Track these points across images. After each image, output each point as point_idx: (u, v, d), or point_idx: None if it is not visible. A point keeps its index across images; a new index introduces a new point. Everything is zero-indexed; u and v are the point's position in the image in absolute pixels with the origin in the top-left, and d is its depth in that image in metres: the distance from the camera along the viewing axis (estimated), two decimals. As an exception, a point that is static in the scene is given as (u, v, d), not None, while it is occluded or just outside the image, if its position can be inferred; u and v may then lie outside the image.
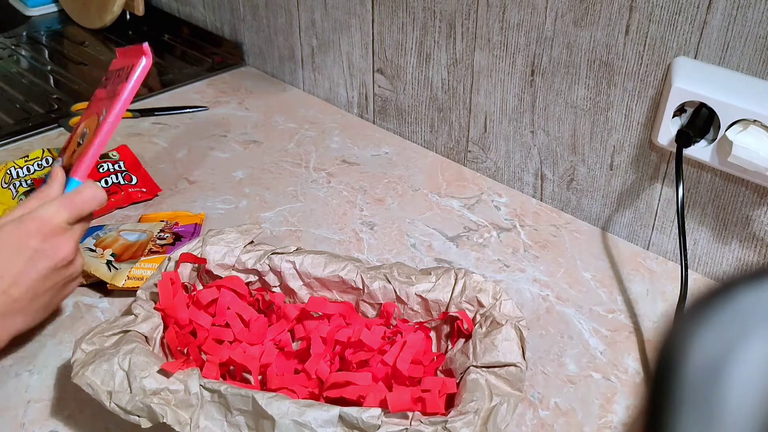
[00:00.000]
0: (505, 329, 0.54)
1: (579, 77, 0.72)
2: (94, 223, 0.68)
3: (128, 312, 0.56)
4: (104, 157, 0.83)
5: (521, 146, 0.80)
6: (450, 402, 0.51)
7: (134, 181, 0.81)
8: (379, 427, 0.46)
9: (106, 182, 0.80)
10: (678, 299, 0.64)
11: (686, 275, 0.64)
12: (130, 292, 0.64)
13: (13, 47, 1.17)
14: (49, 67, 1.12)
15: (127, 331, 0.53)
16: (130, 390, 0.48)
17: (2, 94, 1.01)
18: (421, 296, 0.58)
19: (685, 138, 0.63)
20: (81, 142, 0.63)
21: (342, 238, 0.76)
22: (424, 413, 0.49)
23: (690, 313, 0.18)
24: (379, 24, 0.88)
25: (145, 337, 0.53)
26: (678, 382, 0.17)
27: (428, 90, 0.87)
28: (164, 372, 0.49)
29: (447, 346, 0.58)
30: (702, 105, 0.62)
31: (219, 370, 0.55)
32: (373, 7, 0.88)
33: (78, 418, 0.55)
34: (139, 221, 0.76)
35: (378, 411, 0.46)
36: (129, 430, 0.51)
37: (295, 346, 0.60)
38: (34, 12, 1.29)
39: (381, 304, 0.59)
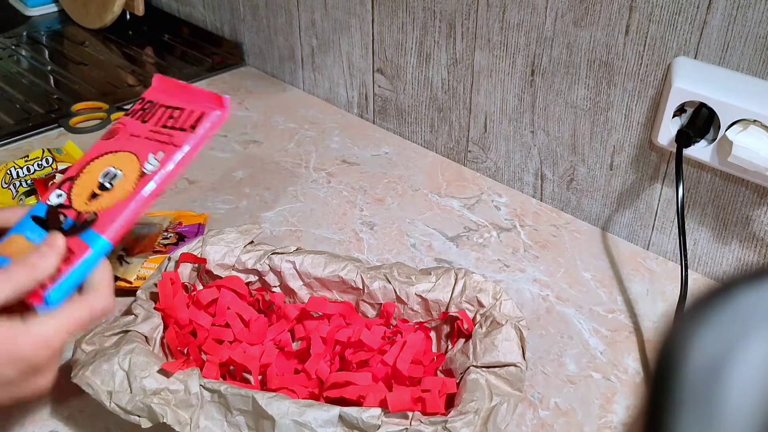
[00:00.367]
0: (505, 329, 0.54)
1: (579, 77, 0.72)
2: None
3: (128, 312, 0.56)
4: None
5: (521, 146, 0.80)
6: (450, 402, 0.51)
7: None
8: (379, 427, 0.46)
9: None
10: (678, 299, 0.64)
11: (686, 275, 0.64)
12: (130, 292, 0.64)
13: (13, 47, 1.17)
14: (49, 67, 1.11)
15: (127, 331, 0.53)
16: (130, 390, 0.48)
17: (2, 94, 1.01)
18: (421, 296, 0.58)
19: (685, 138, 0.63)
20: (110, 185, 0.51)
21: (342, 238, 0.76)
22: (424, 413, 0.49)
23: (690, 313, 0.18)
24: (379, 24, 0.88)
25: (145, 337, 0.53)
26: (678, 382, 0.17)
27: (428, 90, 0.87)
28: (164, 372, 0.49)
29: (447, 346, 0.58)
30: (702, 105, 0.62)
31: (219, 370, 0.55)
32: (373, 7, 0.88)
33: (78, 418, 0.55)
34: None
35: (378, 411, 0.46)
36: (129, 430, 0.51)
37: (295, 346, 0.60)
38: (34, 12, 1.29)
39: (381, 304, 0.59)
